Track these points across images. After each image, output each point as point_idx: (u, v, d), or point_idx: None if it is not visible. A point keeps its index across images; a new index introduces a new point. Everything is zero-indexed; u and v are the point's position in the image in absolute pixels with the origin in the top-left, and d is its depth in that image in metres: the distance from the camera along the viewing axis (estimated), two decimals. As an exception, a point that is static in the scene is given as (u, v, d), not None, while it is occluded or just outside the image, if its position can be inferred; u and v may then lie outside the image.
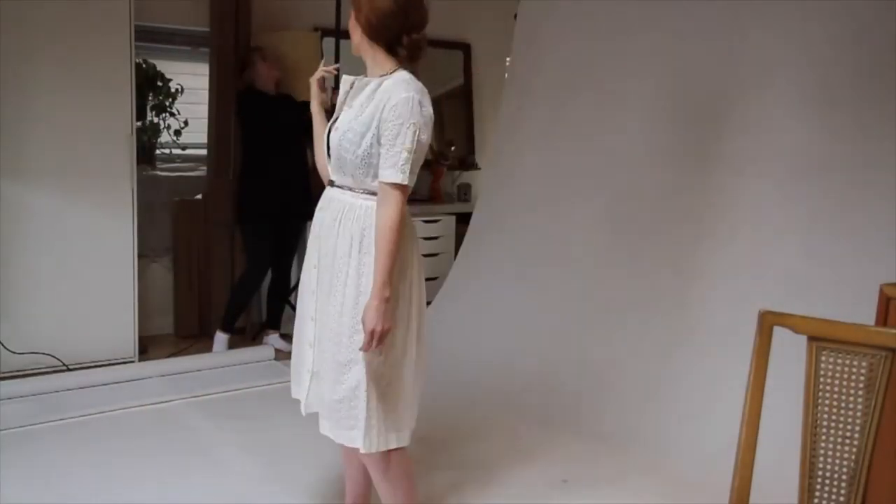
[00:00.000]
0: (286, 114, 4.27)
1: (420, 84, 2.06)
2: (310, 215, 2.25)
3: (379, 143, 2.01)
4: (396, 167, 1.98)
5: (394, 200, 1.99)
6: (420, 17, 2.08)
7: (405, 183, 1.99)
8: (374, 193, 2.06)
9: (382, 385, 2.08)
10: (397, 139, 1.98)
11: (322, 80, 2.30)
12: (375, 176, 2.04)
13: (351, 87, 2.15)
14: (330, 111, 2.27)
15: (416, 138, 1.99)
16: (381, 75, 2.08)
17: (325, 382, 2.13)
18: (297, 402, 2.29)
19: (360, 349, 2.01)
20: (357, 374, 2.06)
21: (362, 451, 2.09)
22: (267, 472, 2.96)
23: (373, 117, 2.01)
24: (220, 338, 4.37)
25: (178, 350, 4.36)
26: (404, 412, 2.15)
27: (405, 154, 1.98)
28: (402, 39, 2.06)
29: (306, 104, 2.48)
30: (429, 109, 2.04)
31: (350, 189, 2.11)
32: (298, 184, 4.32)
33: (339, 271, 2.08)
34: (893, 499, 1.97)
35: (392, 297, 2.01)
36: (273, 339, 4.53)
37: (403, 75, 2.06)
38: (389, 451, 2.14)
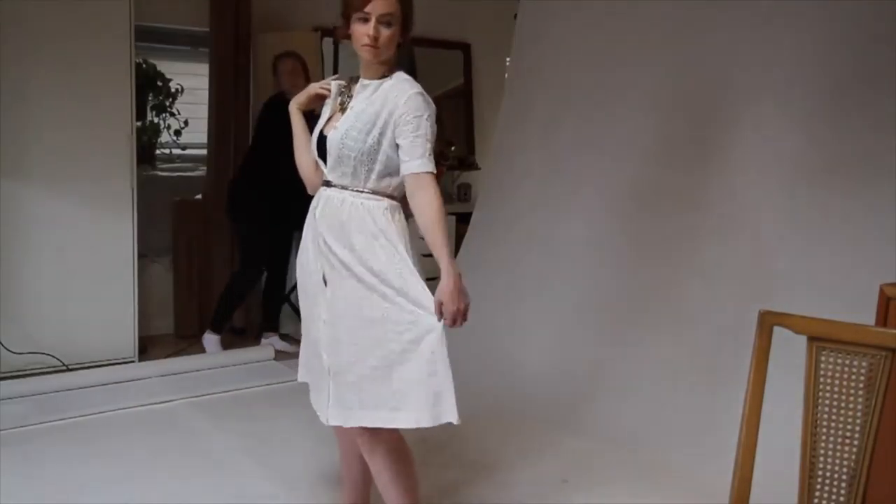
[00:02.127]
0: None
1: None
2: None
3: (382, 139, 2.05)
4: (424, 157, 2.05)
5: (432, 187, 2.05)
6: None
7: (433, 171, 2.07)
8: (376, 193, 2.09)
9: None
10: (418, 131, 2.04)
11: (318, 97, 2.25)
12: (380, 174, 2.08)
13: (342, 90, 2.18)
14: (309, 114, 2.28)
15: (432, 128, 2.07)
16: (380, 77, 2.11)
17: (370, 380, 2.08)
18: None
19: (449, 325, 2.04)
20: (424, 354, 2.05)
21: (455, 421, 2.07)
22: (267, 472, 2.96)
23: (378, 115, 2.05)
24: (211, 339, 4.36)
25: (177, 350, 4.36)
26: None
27: (428, 144, 2.06)
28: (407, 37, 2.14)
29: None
30: (432, 103, 2.11)
31: (350, 189, 2.11)
32: (300, 188, 4.31)
33: (365, 265, 2.07)
34: (893, 499, 1.97)
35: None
36: (273, 340, 4.53)
37: (403, 75, 2.11)
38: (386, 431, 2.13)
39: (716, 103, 3.60)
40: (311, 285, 2.19)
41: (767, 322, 1.62)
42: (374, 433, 2.13)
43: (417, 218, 2.06)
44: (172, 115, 4.82)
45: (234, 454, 3.11)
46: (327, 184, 2.17)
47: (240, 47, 4.62)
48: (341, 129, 2.09)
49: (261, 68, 4.69)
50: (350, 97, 2.15)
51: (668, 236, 3.68)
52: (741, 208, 3.45)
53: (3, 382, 3.59)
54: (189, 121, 4.87)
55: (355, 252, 2.07)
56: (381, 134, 2.05)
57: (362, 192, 2.10)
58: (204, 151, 4.76)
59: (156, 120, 4.78)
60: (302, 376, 2.32)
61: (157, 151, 4.86)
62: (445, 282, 2.03)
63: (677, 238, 3.64)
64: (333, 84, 2.20)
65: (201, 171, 4.82)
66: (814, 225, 3.20)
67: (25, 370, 3.80)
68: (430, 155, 2.05)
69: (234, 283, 4.42)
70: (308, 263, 2.20)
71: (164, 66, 4.76)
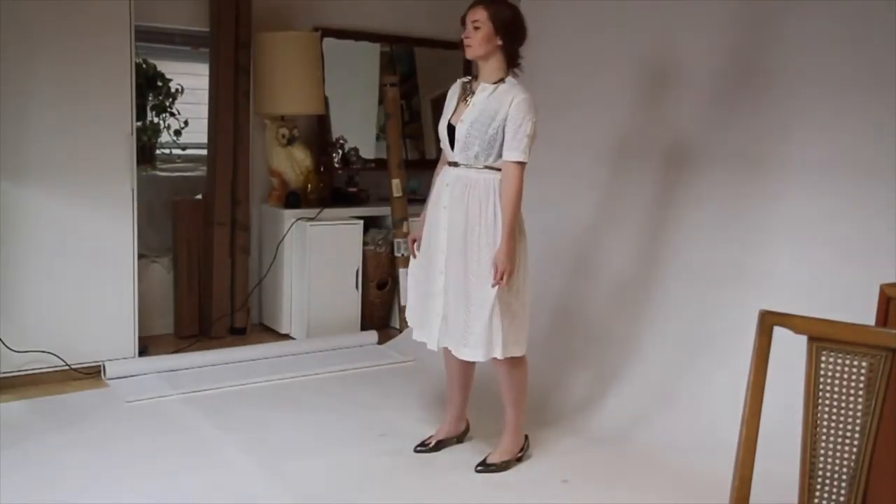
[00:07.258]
0: None
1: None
2: None
3: (503, 130, 2.73)
4: (519, 150, 2.73)
5: (516, 175, 2.74)
6: (526, 34, 2.86)
7: (525, 161, 2.75)
8: (493, 168, 2.78)
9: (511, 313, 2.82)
10: (520, 129, 2.72)
11: None
12: (498, 155, 2.76)
13: (464, 85, 2.93)
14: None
15: (534, 127, 2.75)
16: (494, 81, 2.81)
17: (472, 317, 2.79)
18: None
19: (492, 286, 2.72)
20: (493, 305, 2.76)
21: (500, 357, 2.83)
22: (266, 472, 2.97)
23: (497, 111, 2.74)
24: None
25: (178, 350, 4.36)
26: (524, 331, 2.90)
27: (526, 140, 2.74)
28: (518, 50, 2.84)
29: None
30: (536, 105, 2.77)
31: (474, 167, 2.80)
32: None
33: (472, 231, 2.78)
34: (893, 499, 1.97)
35: (516, 249, 2.76)
36: None
37: (514, 81, 2.82)
38: (517, 357, 2.89)
39: (716, 103, 3.60)
40: (437, 244, 2.87)
41: (767, 322, 1.62)
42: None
43: (500, 193, 2.74)
44: (172, 115, 4.82)
45: (234, 453, 3.11)
46: (454, 164, 2.86)
47: (240, 47, 4.61)
48: (466, 122, 2.80)
49: (260, 68, 4.69)
50: (472, 93, 2.85)
51: (668, 235, 3.68)
52: (740, 208, 3.45)
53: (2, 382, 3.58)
54: (189, 121, 4.87)
55: (475, 215, 2.77)
56: (499, 127, 2.73)
57: (482, 169, 2.80)
58: (204, 151, 4.76)
59: (156, 120, 4.78)
60: (420, 335, 2.99)
61: (157, 151, 4.85)
62: (501, 248, 2.72)
63: (676, 237, 3.65)
64: (459, 82, 2.95)
65: (201, 171, 4.82)
66: (813, 224, 3.20)
67: (25, 369, 3.80)
68: (525, 148, 2.73)
69: None
70: (439, 225, 2.87)
71: (164, 66, 4.76)
